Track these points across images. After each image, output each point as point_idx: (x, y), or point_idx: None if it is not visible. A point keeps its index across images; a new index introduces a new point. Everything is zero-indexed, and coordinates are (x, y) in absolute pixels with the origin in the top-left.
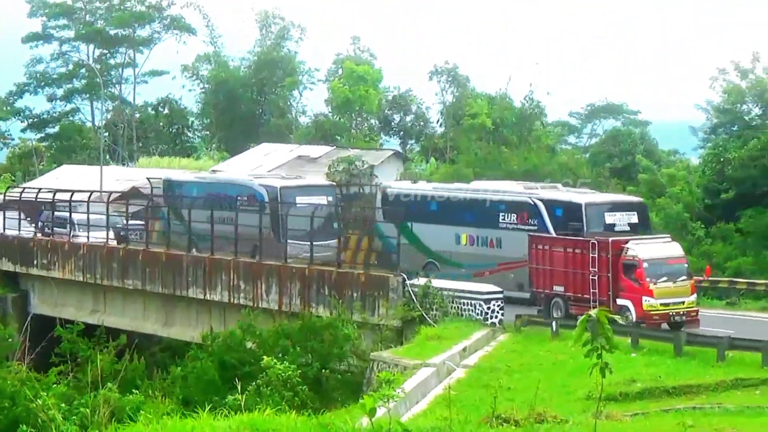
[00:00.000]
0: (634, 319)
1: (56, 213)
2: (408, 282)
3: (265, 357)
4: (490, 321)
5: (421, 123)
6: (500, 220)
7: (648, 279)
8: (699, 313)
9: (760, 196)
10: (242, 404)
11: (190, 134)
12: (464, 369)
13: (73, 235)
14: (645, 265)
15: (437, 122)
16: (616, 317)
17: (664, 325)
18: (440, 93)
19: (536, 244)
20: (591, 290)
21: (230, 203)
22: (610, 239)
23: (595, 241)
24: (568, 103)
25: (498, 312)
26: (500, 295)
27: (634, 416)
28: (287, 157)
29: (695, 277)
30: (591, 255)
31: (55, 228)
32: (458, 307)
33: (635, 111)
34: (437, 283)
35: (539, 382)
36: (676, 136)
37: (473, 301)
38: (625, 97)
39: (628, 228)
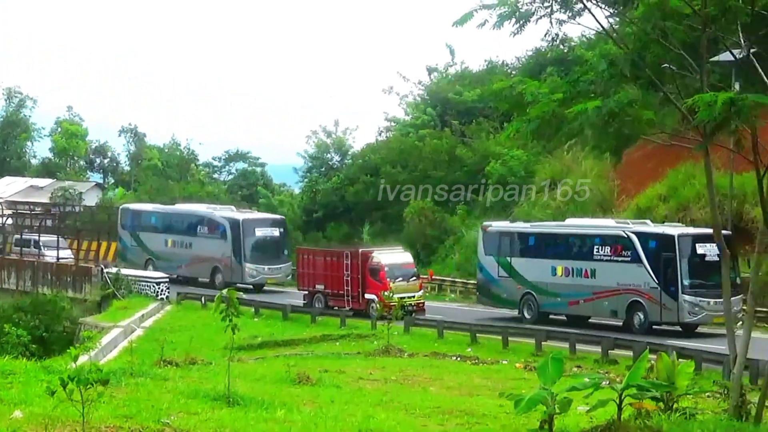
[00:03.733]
0: (377, 309)
1: None
2: (105, 270)
3: (5, 325)
4: (159, 297)
5: (114, 164)
6: (594, 253)
7: (388, 279)
8: (425, 304)
9: (339, 214)
10: None
11: None
12: (143, 329)
13: None
14: (386, 268)
15: (125, 163)
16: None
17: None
18: (127, 144)
19: (303, 255)
20: (345, 288)
21: (190, 231)
22: (360, 250)
23: (348, 252)
24: (213, 148)
25: (165, 291)
26: (167, 279)
27: (256, 360)
28: (23, 186)
29: (422, 277)
30: (345, 262)
31: None
32: (139, 287)
33: (257, 157)
34: (125, 271)
35: (192, 337)
36: (286, 174)
37: (148, 283)
38: (251, 145)
39: (717, 258)
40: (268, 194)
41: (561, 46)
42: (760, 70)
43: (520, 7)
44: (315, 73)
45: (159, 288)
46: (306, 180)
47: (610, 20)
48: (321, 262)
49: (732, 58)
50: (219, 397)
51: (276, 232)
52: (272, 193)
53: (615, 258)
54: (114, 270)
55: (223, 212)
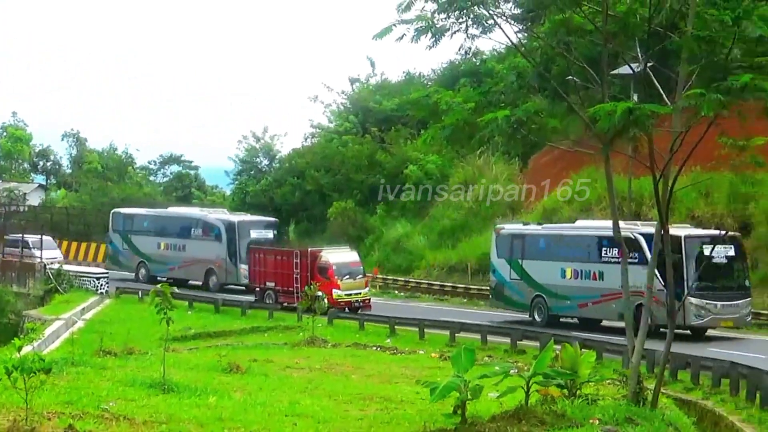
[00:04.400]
0: (327, 305)
1: None
2: (48, 266)
3: None
4: (99, 291)
5: (57, 166)
6: (602, 255)
7: (336, 277)
8: (371, 300)
9: (267, 214)
10: None
11: None
12: (83, 321)
13: None
14: (334, 267)
15: (67, 166)
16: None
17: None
18: (69, 148)
19: (255, 254)
20: (294, 285)
21: (183, 234)
22: (309, 249)
23: (298, 251)
24: (150, 152)
25: (105, 285)
26: (107, 274)
27: (190, 350)
28: None
29: (369, 275)
30: (295, 260)
31: None
32: (80, 282)
33: (190, 160)
34: (66, 267)
35: (130, 329)
36: (218, 176)
37: (89, 278)
38: (187, 148)
39: (725, 260)
40: (201, 195)
41: (473, 59)
42: (656, 82)
43: (435, 22)
44: (247, 83)
45: (99, 283)
46: (236, 182)
47: (519, 35)
48: (272, 261)
49: (630, 72)
50: (155, 384)
51: (270, 233)
52: (205, 194)
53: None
54: (56, 266)
55: (217, 215)
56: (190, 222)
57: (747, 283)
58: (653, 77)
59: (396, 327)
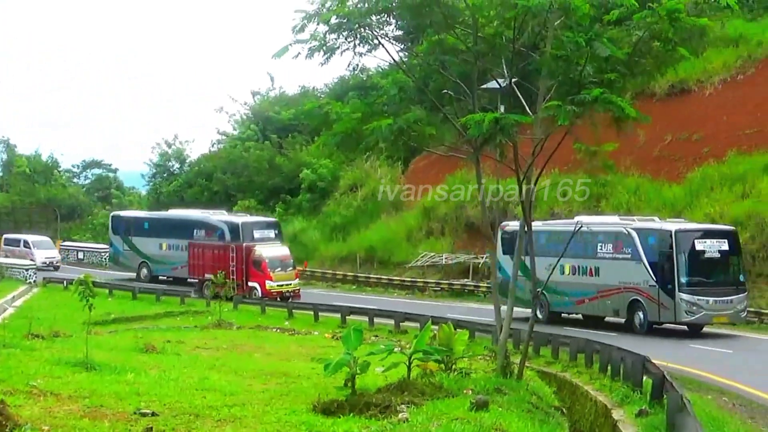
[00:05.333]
0: (260, 295)
1: None
2: (52, 264)
3: None
4: (28, 281)
5: None
6: (598, 250)
7: (269, 270)
8: (300, 290)
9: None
10: None
11: None
12: (13, 308)
13: None
14: (267, 261)
15: None
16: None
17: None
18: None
19: (194, 248)
20: (231, 277)
21: (186, 235)
22: (244, 244)
23: (234, 246)
24: (74, 157)
25: (33, 276)
26: (34, 265)
27: (110, 333)
28: None
29: (299, 268)
30: (231, 254)
31: None
32: (10, 273)
33: (110, 164)
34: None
35: (56, 315)
36: (135, 179)
37: (19, 269)
38: (106, 154)
39: (718, 255)
40: (120, 195)
41: (361, 75)
42: (519, 95)
43: (327, 42)
44: (161, 95)
45: (28, 273)
46: (151, 184)
47: (401, 54)
48: (210, 255)
49: (497, 86)
50: (79, 363)
51: (272, 233)
52: (123, 195)
53: (617, 255)
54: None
55: (219, 216)
56: (193, 224)
57: (742, 278)
58: (517, 91)
59: (294, 311)
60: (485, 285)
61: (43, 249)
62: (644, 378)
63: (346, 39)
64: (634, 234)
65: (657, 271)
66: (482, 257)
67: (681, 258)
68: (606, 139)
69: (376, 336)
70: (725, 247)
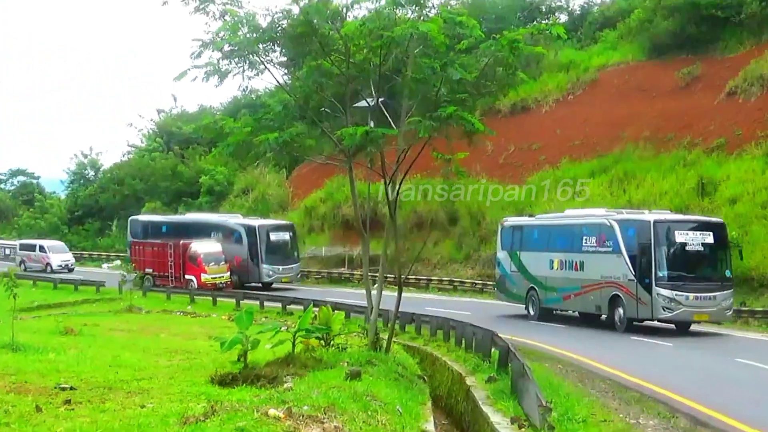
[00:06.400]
0: (196, 286)
1: None
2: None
3: None
4: None
5: None
6: (583, 244)
7: (204, 264)
8: (231, 282)
9: (94, 213)
10: None
11: None
12: None
13: None
14: (202, 256)
15: None
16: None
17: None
18: None
19: (135, 246)
20: (169, 270)
21: (203, 238)
22: (181, 242)
23: (172, 243)
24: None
25: None
26: None
27: (33, 318)
28: None
29: (229, 262)
30: (169, 251)
31: None
32: None
33: (32, 172)
34: None
35: None
36: (56, 185)
37: None
38: (30, 163)
39: (702, 248)
40: (42, 198)
41: (251, 95)
42: (386, 112)
43: (220, 67)
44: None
45: None
46: (70, 189)
47: (285, 77)
48: (150, 251)
49: (367, 104)
50: (5, 345)
51: (287, 235)
52: (45, 199)
53: (599, 249)
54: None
55: (236, 219)
56: (210, 227)
57: (728, 273)
58: (384, 109)
59: (195, 297)
60: (359, 273)
61: (57, 253)
62: (493, 350)
63: (237, 64)
64: (615, 225)
65: (636, 265)
66: (356, 250)
67: (660, 250)
68: (459, 149)
69: (266, 317)
70: (710, 240)
